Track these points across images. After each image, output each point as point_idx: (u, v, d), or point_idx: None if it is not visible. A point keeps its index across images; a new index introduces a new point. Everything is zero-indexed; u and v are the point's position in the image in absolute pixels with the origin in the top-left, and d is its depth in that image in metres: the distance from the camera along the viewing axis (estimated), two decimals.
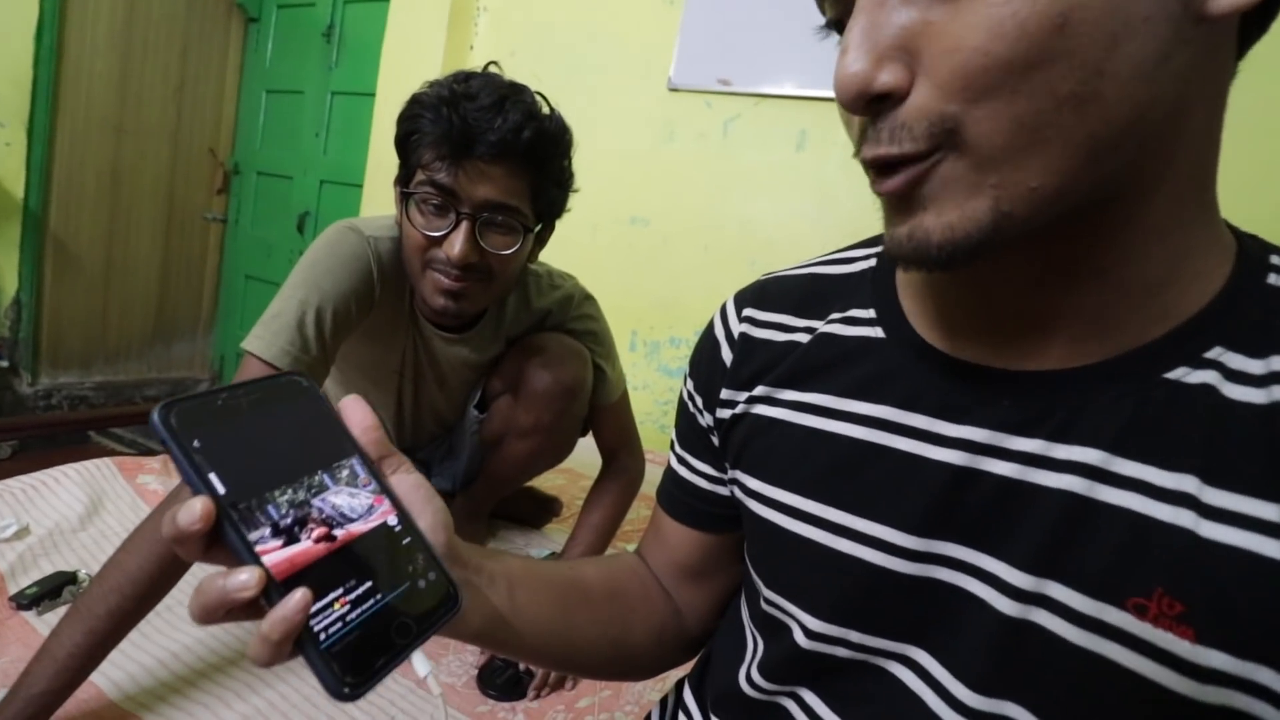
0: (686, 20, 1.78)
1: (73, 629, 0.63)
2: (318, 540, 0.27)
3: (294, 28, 2.56)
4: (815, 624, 0.37)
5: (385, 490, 0.30)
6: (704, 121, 1.79)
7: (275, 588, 0.25)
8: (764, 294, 0.45)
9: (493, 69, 0.80)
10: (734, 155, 1.76)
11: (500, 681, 0.82)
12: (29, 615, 0.83)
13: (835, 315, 0.40)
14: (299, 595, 0.25)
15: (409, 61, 2.05)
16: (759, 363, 0.42)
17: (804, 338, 0.41)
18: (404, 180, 0.79)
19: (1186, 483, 0.28)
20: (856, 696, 0.37)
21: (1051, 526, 0.30)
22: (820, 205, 1.68)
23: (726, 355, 0.44)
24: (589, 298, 1.05)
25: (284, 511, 0.26)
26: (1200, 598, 0.27)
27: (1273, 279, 0.30)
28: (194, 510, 0.24)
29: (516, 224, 0.78)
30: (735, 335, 0.44)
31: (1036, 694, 0.30)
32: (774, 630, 0.40)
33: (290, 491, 0.27)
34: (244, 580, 0.24)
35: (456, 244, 0.75)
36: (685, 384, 0.48)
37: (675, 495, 0.49)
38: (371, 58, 2.19)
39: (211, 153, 2.72)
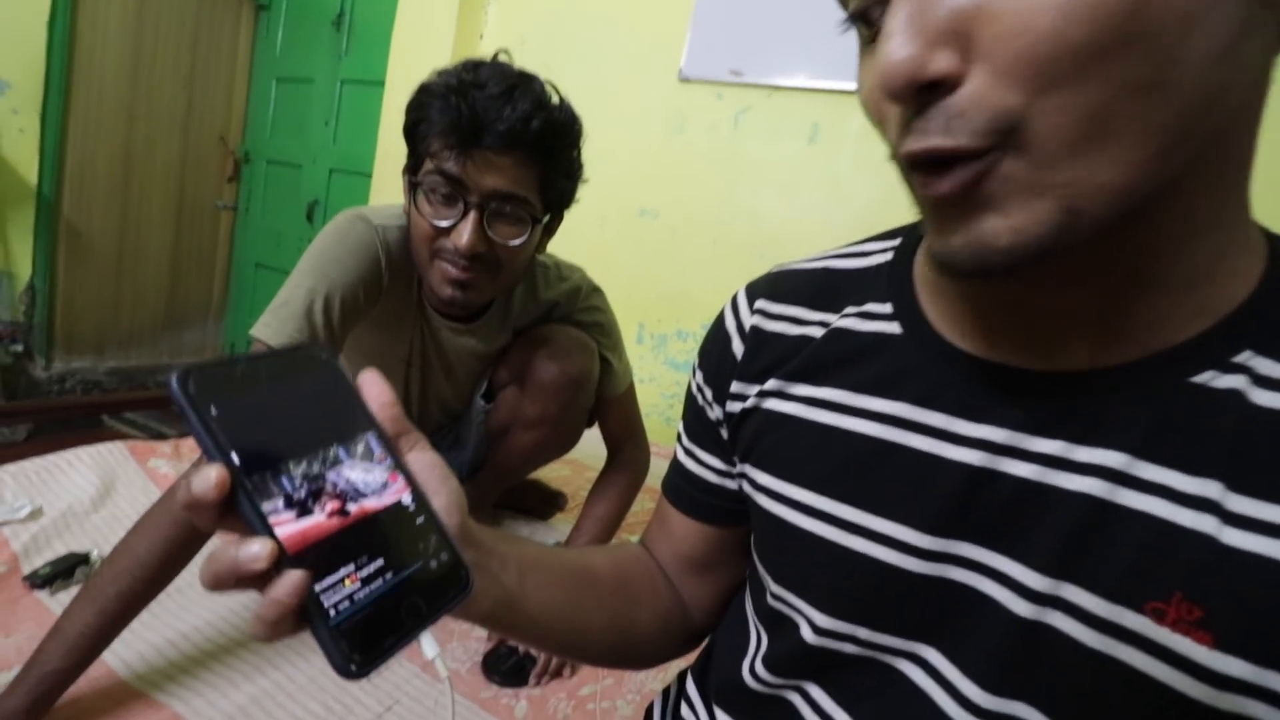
0: (698, 9, 1.76)
1: (84, 609, 0.64)
2: (331, 515, 0.26)
3: (304, 16, 2.56)
4: (823, 620, 0.37)
5: (400, 467, 0.30)
6: (715, 113, 1.78)
7: (287, 561, 0.25)
8: (776, 286, 0.44)
9: (502, 57, 0.79)
10: (745, 148, 1.75)
11: (505, 668, 0.83)
12: (42, 595, 0.84)
13: (850, 309, 0.40)
14: (294, 577, 0.24)
15: (419, 50, 2.05)
16: (771, 356, 0.42)
17: (818, 332, 0.41)
18: (412, 169, 0.79)
19: (1210, 488, 0.28)
20: (863, 692, 0.37)
21: (1070, 529, 0.30)
22: (831, 200, 1.67)
23: (737, 348, 0.44)
24: (596, 290, 1.05)
25: (298, 484, 0.26)
26: (1220, 603, 0.27)
27: None
28: (209, 478, 0.24)
29: (525, 214, 0.78)
30: (747, 327, 0.44)
31: (1048, 695, 0.30)
32: (780, 625, 0.40)
33: (305, 464, 0.27)
34: (255, 552, 0.24)
35: (464, 234, 0.75)
36: (694, 376, 0.47)
37: (681, 488, 0.49)
38: (381, 46, 2.19)
39: (222, 140, 2.74)
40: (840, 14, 0.31)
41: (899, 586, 0.34)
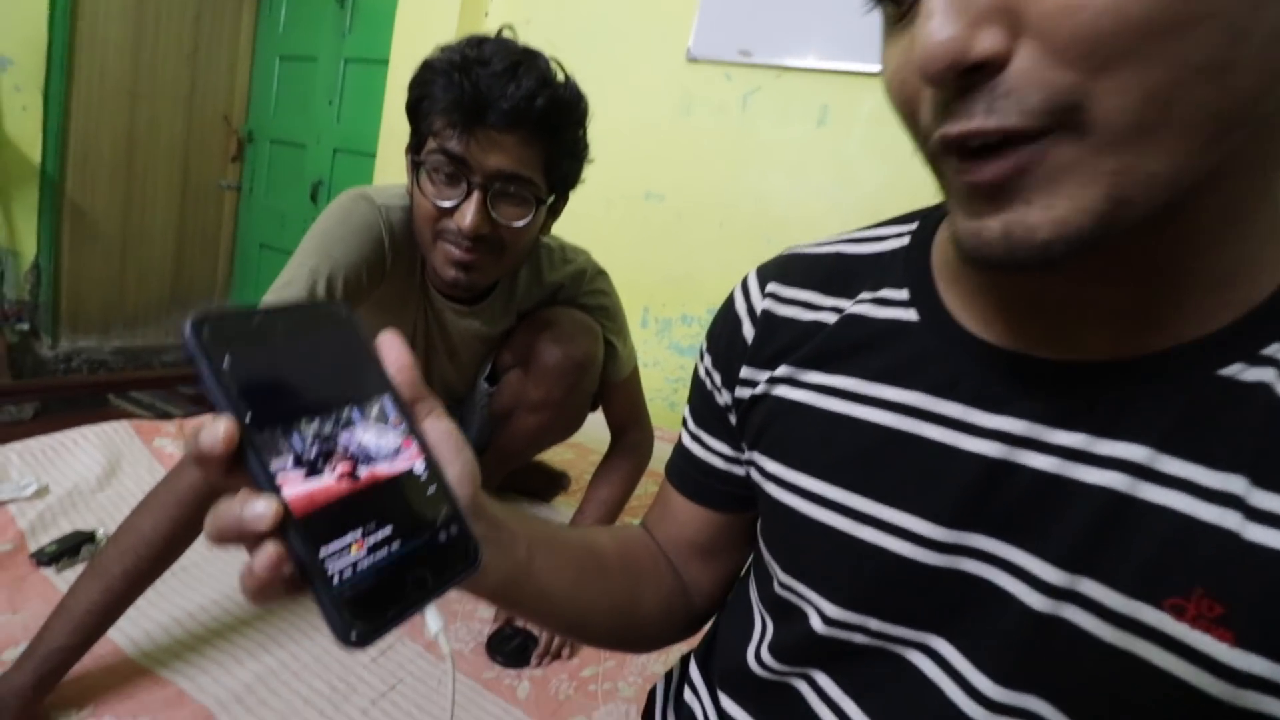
0: None
1: (90, 587, 0.65)
2: (340, 477, 0.26)
3: None
4: (833, 610, 0.37)
5: (415, 434, 0.29)
6: (723, 94, 1.75)
7: (291, 522, 0.24)
8: (788, 269, 0.43)
9: (506, 34, 0.78)
10: (753, 130, 1.73)
11: (508, 649, 0.84)
12: (48, 572, 0.85)
13: (865, 295, 0.39)
14: (269, 551, 0.23)
15: (423, 28, 2.02)
16: (782, 341, 0.41)
17: (830, 317, 0.40)
18: (415, 148, 0.78)
19: (1234, 484, 0.27)
20: (871, 682, 0.36)
21: (1089, 523, 0.29)
22: (840, 184, 1.65)
23: (748, 332, 0.43)
24: (601, 273, 1.04)
25: (309, 443, 0.25)
26: (1242, 601, 0.26)
27: None
28: (216, 431, 0.23)
29: (529, 195, 0.77)
30: (758, 311, 0.43)
31: (1062, 690, 0.30)
32: (787, 613, 0.40)
33: (317, 423, 0.26)
34: (260, 511, 0.23)
35: (468, 215, 0.74)
36: (702, 360, 0.47)
37: (687, 473, 0.48)
38: (385, 24, 2.16)
39: (225, 119, 2.72)
40: None
41: (911, 578, 0.34)
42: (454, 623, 0.89)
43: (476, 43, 0.74)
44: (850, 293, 0.40)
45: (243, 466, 0.24)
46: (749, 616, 0.45)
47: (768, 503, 0.41)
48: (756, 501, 0.43)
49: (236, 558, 0.90)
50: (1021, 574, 0.31)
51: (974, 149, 0.25)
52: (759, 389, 0.41)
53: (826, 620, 0.37)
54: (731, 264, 1.72)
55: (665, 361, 1.86)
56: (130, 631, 0.76)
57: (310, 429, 0.25)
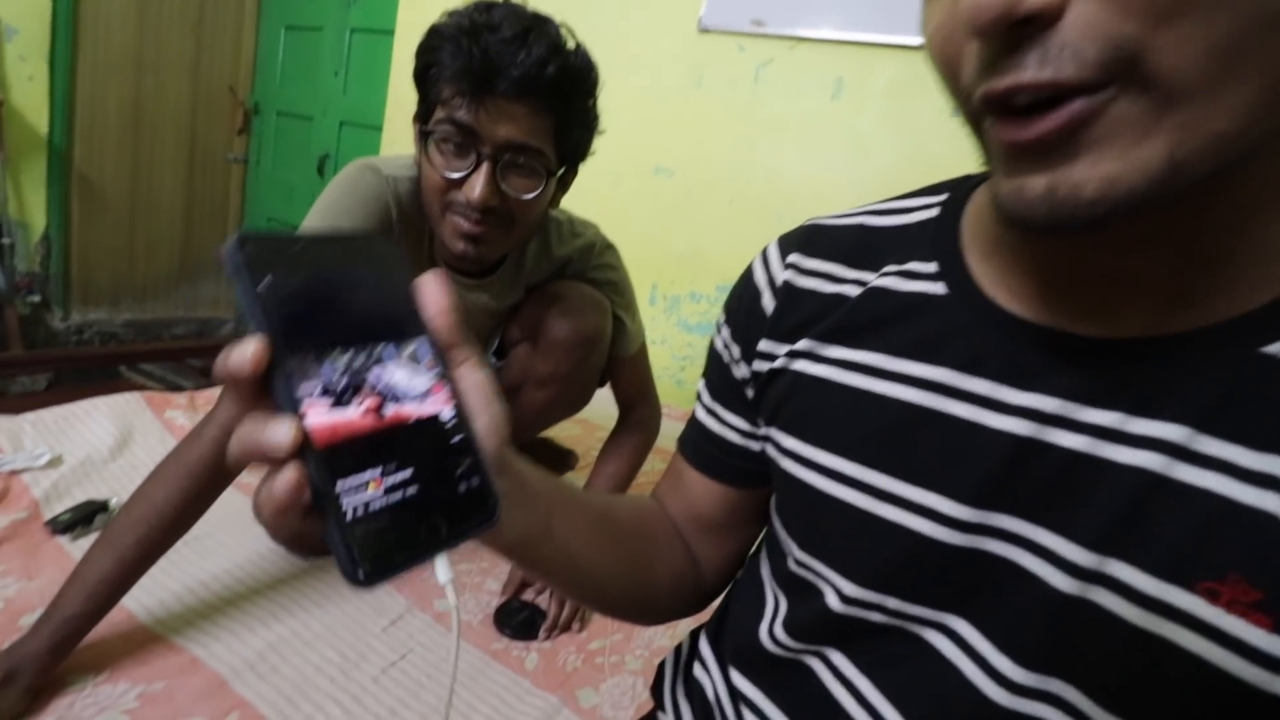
0: None
1: (103, 556, 0.65)
2: (366, 413, 0.25)
3: None
4: (851, 589, 0.36)
5: (448, 379, 0.28)
6: (735, 66, 1.71)
7: (311, 451, 0.23)
8: (811, 240, 0.42)
9: None
10: (765, 103, 1.69)
11: (516, 621, 0.84)
12: (63, 540, 0.86)
13: (891, 268, 0.38)
14: (289, 475, 0.23)
15: None
16: (803, 314, 0.40)
17: (854, 290, 0.39)
18: (423, 117, 0.76)
19: (1277, 465, 0.26)
20: (888, 661, 0.36)
21: (1120, 505, 0.28)
22: (853, 159, 1.62)
23: (768, 303, 0.42)
24: (610, 247, 1.03)
25: (338, 374, 0.25)
26: None
27: None
28: (245, 352, 0.23)
29: (539, 166, 0.76)
30: (778, 282, 0.42)
31: (1088, 673, 0.29)
32: (803, 591, 0.39)
33: (350, 355, 0.25)
34: (279, 434, 0.23)
35: (477, 186, 0.73)
36: (719, 332, 0.46)
37: (702, 447, 0.47)
38: None
39: (231, 91, 2.69)
40: None
41: (933, 558, 0.33)
42: (462, 595, 0.90)
43: (485, 8, 0.72)
44: (875, 265, 0.39)
45: (270, 392, 0.24)
46: (760, 593, 0.45)
47: (784, 479, 0.40)
48: (771, 477, 0.43)
49: (249, 529, 0.91)
50: (1048, 555, 0.30)
51: (1020, 107, 0.24)
52: (778, 363, 0.40)
53: (844, 598, 0.36)
54: (742, 241, 1.70)
55: (673, 339, 1.85)
56: (144, 599, 0.77)
57: (341, 360, 0.25)
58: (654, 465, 1.18)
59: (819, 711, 0.38)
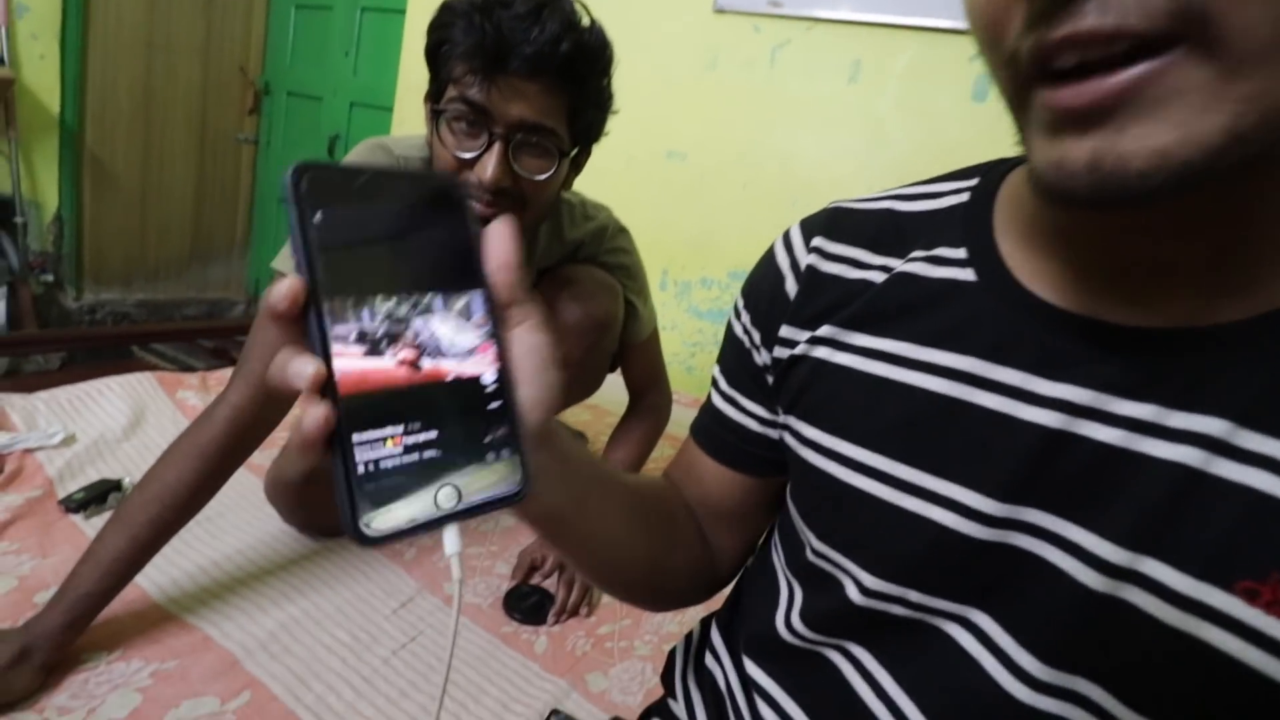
0: None
1: (116, 535, 0.66)
2: (401, 364, 0.24)
3: None
4: (873, 582, 0.35)
5: (498, 339, 0.26)
6: (751, 47, 1.68)
7: (333, 395, 0.22)
8: (835, 224, 0.41)
9: None
10: (781, 85, 1.66)
11: (525, 606, 0.84)
12: (77, 519, 0.87)
13: (918, 254, 0.37)
14: (318, 412, 0.22)
15: None
16: (826, 300, 0.39)
17: (879, 276, 0.37)
18: (434, 96, 0.75)
19: None
20: (908, 654, 0.35)
21: (1155, 500, 0.27)
22: (870, 144, 1.59)
23: (791, 287, 0.41)
24: (623, 230, 1.01)
25: (379, 321, 0.24)
26: None
27: None
28: (282, 289, 0.22)
29: (552, 147, 0.74)
30: (802, 266, 0.40)
31: (1115, 672, 0.29)
32: (821, 582, 0.39)
33: (394, 301, 0.24)
34: (300, 373, 0.22)
35: (489, 167, 0.72)
36: (738, 318, 0.44)
37: (718, 435, 0.46)
38: None
39: (242, 71, 2.68)
40: None
41: (958, 552, 0.32)
42: (472, 578, 0.90)
43: None
44: (901, 252, 0.37)
45: (306, 328, 0.23)
46: (774, 583, 0.44)
47: (803, 469, 0.39)
48: (788, 466, 0.42)
49: (260, 509, 0.92)
50: (1077, 551, 0.29)
51: (1069, 71, 0.22)
52: (798, 349, 0.39)
53: (864, 591, 0.36)
54: (754, 227, 1.68)
55: (684, 325, 1.84)
56: (157, 578, 0.77)
57: (384, 306, 0.24)
58: (663, 451, 1.18)
59: (836, 703, 0.38)
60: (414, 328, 0.24)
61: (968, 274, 0.34)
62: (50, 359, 2.13)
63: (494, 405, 0.26)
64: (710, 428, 0.47)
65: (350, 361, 0.23)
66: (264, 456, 0.86)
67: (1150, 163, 0.22)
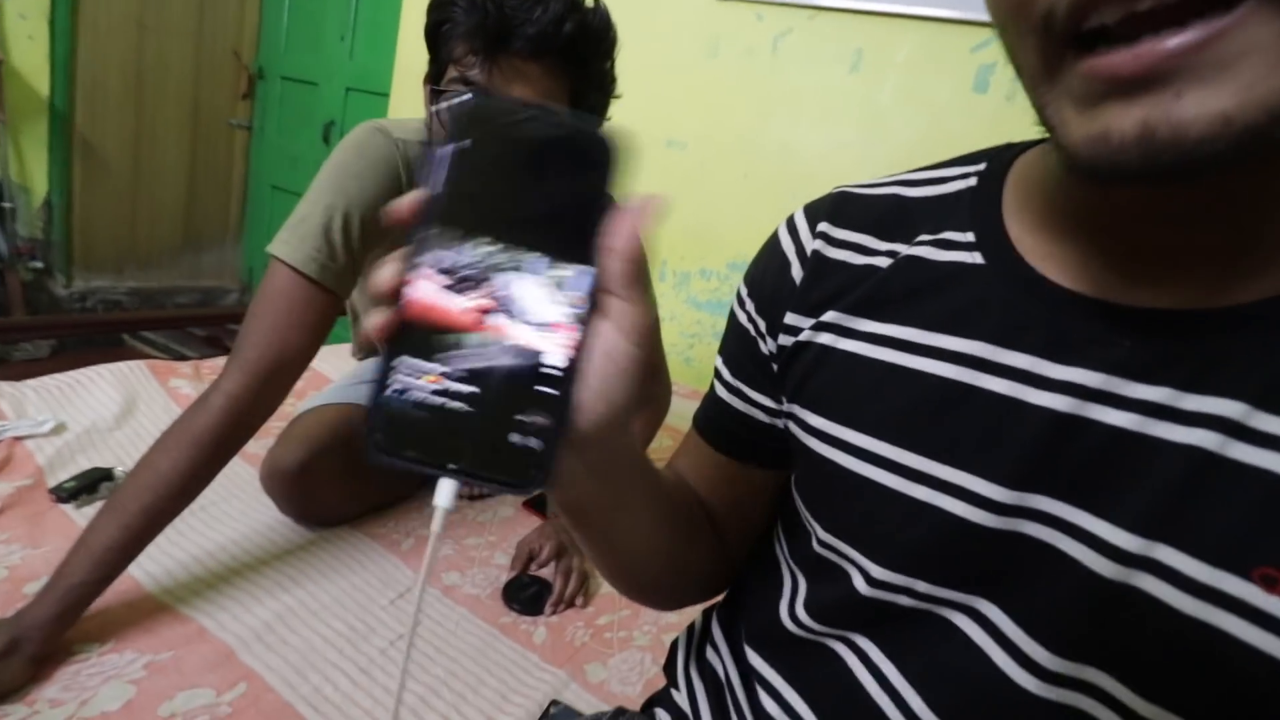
0: None
1: (109, 524, 0.64)
2: (468, 311, 0.24)
3: None
4: (879, 571, 0.34)
5: (584, 327, 0.24)
6: (753, 35, 1.66)
7: (401, 313, 0.23)
8: (841, 209, 0.40)
9: None
10: (782, 74, 1.64)
11: (523, 597, 0.84)
12: (68, 508, 0.85)
13: (924, 237, 0.36)
14: (375, 320, 0.24)
15: None
16: (832, 286, 0.38)
17: (885, 261, 0.37)
18: (434, 77, 0.73)
19: None
20: (914, 646, 0.35)
21: (1169, 486, 0.27)
22: (870, 135, 1.58)
23: (797, 273, 0.40)
24: None
25: (472, 261, 0.23)
26: None
27: None
28: (402, 203, 0.24)
29: None
30: (807, 251, 0.40)
31: (1127, 661, 0.28)
32: (827, 572, 0.38)
33: (497, 249, 0.24)
34: (377, 282, 0.24)
35: None
36: (742, 306, 0.43)
37: (725, 428, 0.45)
38: None
39: (235, 55, 2.64)
40: None
41: (966, 541, 0.31)
42: (471, 569, 0.89)
43: None
44: (907, 236, 0.37)
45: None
46: (776, 574, 0.43)
47: (809, 458, 0.38)
48: (793, 456, 0.41)
49: (256, 498, 0.91)
50: (1088, 538, 0.28)
51: (1109, 34, 0.21)
52: (802, 336, 0.39)
53: (871, 581, 0.35)
54: (754, 217, 1.67)
55: (682, 316, 1.83)
56: (150, 568, 0.76)
57: (485, 249, 0.24)
58: (662, 443, 1.17)
59: (840, 695, 0.37)
60: (501, 281, 0.24)
61: (976, 257, 0.34)
62: (39, 347, 2.10)
63: (544, 390, 0.24)
64: (715, 420, 0.46)
65: (424, 290, 0.23)
66: (259, 445, 0.85)
67: (1212, 129, 0.20)
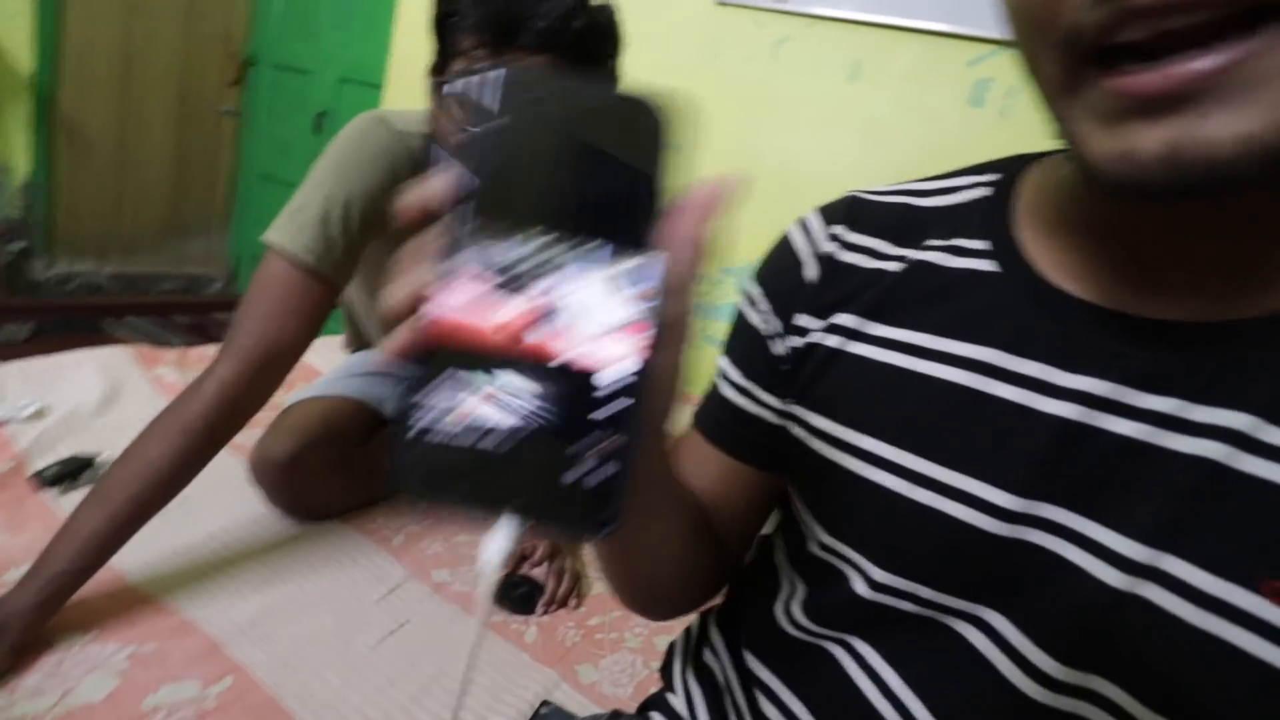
0: None
1: (93, 512, 0.63)
2: (521, 314, 0.20)
3: None
4: (880, 574, 0.35)
5: (658, 324, 0.20)
6: (752, 42, 1.67)
7: (427, 330, 0.20)
8: (855, 213, 0.40)
9: None
10: (781, 82, 1.65)
11: (514, 596, 0.83)
12: (49, 495, 0.83)
13: (936, 242, 0.36)
14: (400, 338, 0.19)
15: None
16: (842, 289, 0.38)
17: (896, 266, 0.37)
18: (439, 69, 0.73)
19: None
20: (916, 652, 0.35)
21: (1177, 496, 0.27)
22: (867, 144, 1.59)
23: (810, 274, 0.40)
24: None
25: (521, 256, 0.20)
26: None
27: None
28: (428, 189, 0.20)
29: None
30: (822, 253, 0.40)
31: (1133, 671, 0.28)
32: (826, 576, 0.38)
33: (549, 241, 0.20)
34: (394, 297, 0.20)
35: None
36: (753, 306, 0.43)
37: (732, 429, 0.45)
38: None
39: (226, 40, 2.60)
40: None
41: (972, 547, 0.31)
42: (461, 566, 0.88)
43: None
44: (918, 242, 0.37)
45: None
46: (775, 578, 0.43)
47: (811, 460, 0.38)
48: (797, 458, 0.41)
49: (243, 490, 0.89)
50: (1095, 548, 0.29)
51: (1134, 52, 0.22)
52: (811, 338, 0.39)
53: (872, 584, 0.35)
54: (750, 224, 1.66)
55: None
56: (135, 559, 0.74)
57: (535, 243, 0.20)
58: None
59: (840, 700, 0.37)
60: (557, 278, 0.20)
61: (988, 264, 0.34)
62: (18, 330, 2.05)
63: (614, 409, 0.20)
64: (722, 421, 0.46)
65: (466, 291, 0.19)
66: (246, 436, 0.84)
67: (1236, 149, 0.21)
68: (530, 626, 0.80)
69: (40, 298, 2.26)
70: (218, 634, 0.68)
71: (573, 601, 0.86)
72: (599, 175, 0.21)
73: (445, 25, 0.70)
